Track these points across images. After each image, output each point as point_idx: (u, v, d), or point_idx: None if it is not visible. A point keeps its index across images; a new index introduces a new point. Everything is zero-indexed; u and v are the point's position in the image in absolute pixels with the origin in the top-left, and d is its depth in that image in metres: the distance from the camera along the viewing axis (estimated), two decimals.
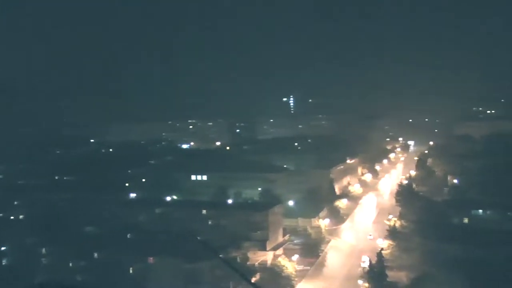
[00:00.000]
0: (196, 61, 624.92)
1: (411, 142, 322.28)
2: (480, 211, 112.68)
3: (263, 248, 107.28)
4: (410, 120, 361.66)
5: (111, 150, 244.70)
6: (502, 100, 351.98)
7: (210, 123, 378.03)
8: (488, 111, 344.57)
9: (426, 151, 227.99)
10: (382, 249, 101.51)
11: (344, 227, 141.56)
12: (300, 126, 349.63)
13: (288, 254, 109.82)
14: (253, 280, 70.30)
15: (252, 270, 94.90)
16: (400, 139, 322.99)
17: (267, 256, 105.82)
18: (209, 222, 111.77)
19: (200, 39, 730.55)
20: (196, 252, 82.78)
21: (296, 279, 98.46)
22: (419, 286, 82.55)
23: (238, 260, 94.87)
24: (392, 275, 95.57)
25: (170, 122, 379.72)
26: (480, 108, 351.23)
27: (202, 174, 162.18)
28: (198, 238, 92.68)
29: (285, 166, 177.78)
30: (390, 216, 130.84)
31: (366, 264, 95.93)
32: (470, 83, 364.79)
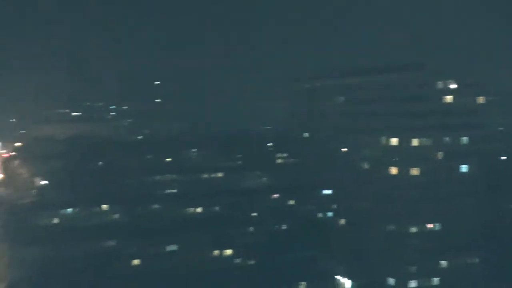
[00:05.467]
0: None
1: None
2: (70, 209, 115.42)
3: None
4: None
5: None
6: (87, 103, 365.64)
7: None
8: (74, 113, 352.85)
9: (12, 153, 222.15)
10: None
11: None
12: None
13: None
14: None
15: None
16: None
17: None
18: None
19: None
20: None
21: None
22: None
23: None
24: None
25: None
26: (66, 110, 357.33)
27: None
28: None
29: None
30: None
31: None
32: (57, 85, 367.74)
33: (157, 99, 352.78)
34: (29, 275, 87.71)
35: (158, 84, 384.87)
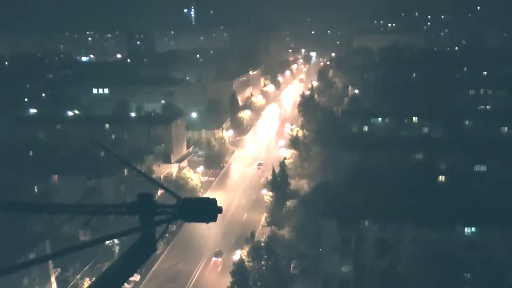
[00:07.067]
0: None
1: (313, 54, 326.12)
2: (379, 119, 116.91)
3: (168, 161, 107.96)
4: (313, 32, 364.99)
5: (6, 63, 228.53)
6: (402, 14, 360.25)
7: (109, 35, 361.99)
8: (389, 25, 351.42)
9: (328, 63, 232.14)
10: (284, 158, 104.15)
11: (248, 137, 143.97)
12: (201, 38, 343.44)
13: (193, 165, 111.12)
14: (158, 193, 70.60)
15: None
16: (303, 50, 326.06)
17: (172, 169, 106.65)
18: (112, 137, 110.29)
19: None
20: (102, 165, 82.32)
21: (201, 191, 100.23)
22: (318, 193, 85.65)
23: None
24: (294, 183, 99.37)
25: (66, 34, 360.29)
26: (381, 22, 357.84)
27: (103, 87, 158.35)
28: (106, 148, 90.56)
29: (187, 78, 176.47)
30: (293, 126, 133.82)
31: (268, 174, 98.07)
32: None
33: (478, 6, 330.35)
34: (338, 176, 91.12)
35: None
